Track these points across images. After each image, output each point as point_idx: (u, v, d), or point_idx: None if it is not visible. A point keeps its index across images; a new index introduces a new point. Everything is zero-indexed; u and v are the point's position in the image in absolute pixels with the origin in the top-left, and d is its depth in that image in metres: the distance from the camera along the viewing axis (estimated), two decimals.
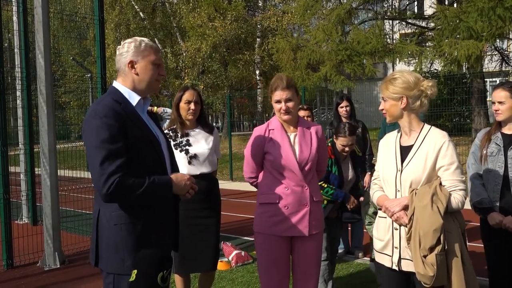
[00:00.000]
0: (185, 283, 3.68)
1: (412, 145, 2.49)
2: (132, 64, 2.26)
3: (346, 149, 3.91)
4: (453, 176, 2.39)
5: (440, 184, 2.41)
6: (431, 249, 2.27)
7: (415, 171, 2.43)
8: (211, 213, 3.58)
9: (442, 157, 2.39)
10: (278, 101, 2.91)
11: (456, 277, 2.31)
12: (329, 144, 3.94)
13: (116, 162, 2.05)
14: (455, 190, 2.38)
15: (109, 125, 2.08)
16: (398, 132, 2.64)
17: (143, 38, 2.31)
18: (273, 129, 3.00)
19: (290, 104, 2.91)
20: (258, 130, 3.03)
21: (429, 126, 2.52)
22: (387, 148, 2.64)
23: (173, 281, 3.76)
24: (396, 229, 2.49)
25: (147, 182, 2.09)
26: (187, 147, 3.56)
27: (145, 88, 2.29)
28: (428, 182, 2.43)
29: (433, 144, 2.42)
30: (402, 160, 2.50)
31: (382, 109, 2.57)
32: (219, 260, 5.08)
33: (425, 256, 2.28)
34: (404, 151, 2.52)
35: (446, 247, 2.30)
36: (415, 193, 2.38)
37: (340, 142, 3.90)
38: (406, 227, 2.40)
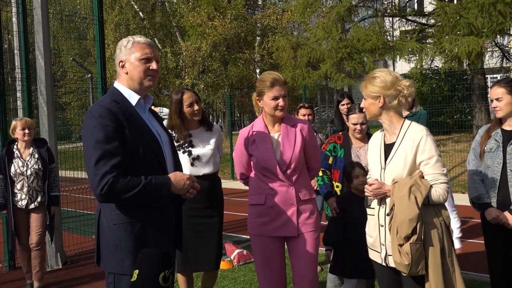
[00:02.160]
0: (188, 282, 3.68)
1: (394, 143, 2.54)
2: (122, 63, 2.28)
3: (358, 127, 3.71)
4: (434, 169, 2.42)
5: (423, 177, 2.45)
6: (407, 239, 2.32)
7: (396, 168, 2.48)
8: (213, 212, 3.58)
9: (421, 152, 2.43)
10: (276, 97, 2.87)
11: (433, 268, 2.35)
12: (340, 133, 3.92)
13: (111, 162, 2.05)
14: (436, 183, 2.42)
15: (104, 125, 2.09)
16: (381, 131, 2.69)
17: (134, 36, 2.32)
18: (256, 131, 2.97)
19: (286, 100, 2.91)
20: (243, 132, 3.04)
21: (409, 122, 2.55)
22: (373, 147, 2.69)
23: (176, 280, 3.77)
24: (382, 226, 2.54)
25: (143, 182, 2.09)
26: (190, 148, 3.55)
27: (137, 85, 2.28)
28: None
29: (412, 140, 2.45)
30: (386, 158, 2.55)
31: (362, 107, 2.62)
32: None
33: (401, 245, 2.34)
34: (387, 149, 2.57)
35: (422, 237, 2.34)
36: (397, 184, 2.44)
37: (351, 121, 3.75)
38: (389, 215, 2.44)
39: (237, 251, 5.32)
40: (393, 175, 2.48)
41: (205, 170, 3.56)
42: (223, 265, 4.99)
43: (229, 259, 5.27)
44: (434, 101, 12.58)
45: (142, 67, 2.25)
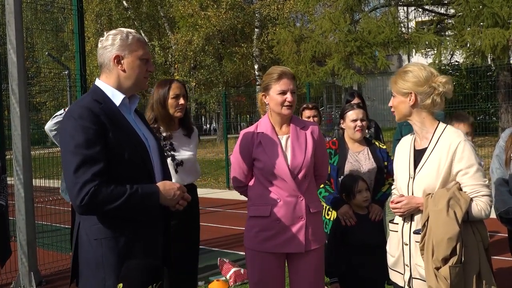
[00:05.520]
0: None
1: (426, 148, 2.50)
2: (118, 59, 2.27)
3: (358, 123, 3.64)
4: (474, 180, 2.38)
5: (460, 189, 2.40)
6: (445, 260, 2.26)
7: (427, 177, 2.43)
8: (194, 224, 3.61)
9: (458, 160, 2.38)
10: (283, 92, 2.86)
11: None
12: (334, 138, 3.92)
13: (92, 169, 2.06)
14: (477, 196, 2.37)
15: (85, 127, 2.09)
16: (412, 134, 2.65)
17: (129, 30, 2.34)
18: (262, 132, 2.95)
19: (294, 97, 2.90)
20: (245, 133, 3.01)
21: (444, 125, 2.52)
22: (401, 153, 2.65)
23: None
24: (406, 244, 2.50)
25: (128, 192, 2.10)
26: (172, 152, 3.51)
27: (131, 85, 2.31)
28: None
29: (447, 146, 2.41)
30: (415, 166, 2.51)
31: (391, 106, 2.59)
32: (215, 279, 5.09)
33: (437, 268, 2.27)
34: (418, 155, 2.53)
35: (463, 259, 2.28)
36: (431, 196, 2.38)
37: (350, 117, 3.66)
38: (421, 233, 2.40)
39: (233, 269, 5.32)
40: (423, 185, 2.44)
41: (189, 178, 3.55)
42: (218, 285, 4.99)
43: (224, 278, 5.26)
44: (454, 100, 12.59)
45: (144, 67, 2.31)
